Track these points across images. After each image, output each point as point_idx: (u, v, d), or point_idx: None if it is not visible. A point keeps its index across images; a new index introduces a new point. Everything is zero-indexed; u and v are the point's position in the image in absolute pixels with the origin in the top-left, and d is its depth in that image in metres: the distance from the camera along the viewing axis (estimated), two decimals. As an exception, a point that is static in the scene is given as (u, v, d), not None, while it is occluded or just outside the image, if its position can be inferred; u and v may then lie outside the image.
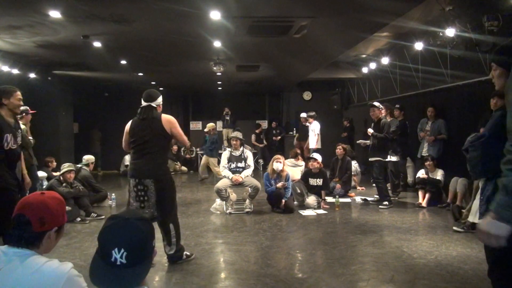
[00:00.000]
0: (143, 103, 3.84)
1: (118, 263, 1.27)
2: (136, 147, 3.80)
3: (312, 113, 9.72)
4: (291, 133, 13.43)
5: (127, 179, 3.90)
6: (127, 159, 11.70)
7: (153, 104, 3.81)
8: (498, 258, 2.05)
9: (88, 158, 7.35)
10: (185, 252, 4.05)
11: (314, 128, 9.48)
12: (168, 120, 3.80)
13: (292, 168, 7.31)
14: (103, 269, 1.29)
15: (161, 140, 3.78)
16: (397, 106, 8.05)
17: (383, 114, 7.10)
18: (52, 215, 1.61)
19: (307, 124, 9.91)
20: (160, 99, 3.87)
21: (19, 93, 3.92)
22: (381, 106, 7.04)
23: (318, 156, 7.13)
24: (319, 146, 9.35)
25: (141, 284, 1.33)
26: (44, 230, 1.59)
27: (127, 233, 1.30)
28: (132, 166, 3.86)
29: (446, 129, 7.11)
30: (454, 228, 5.13)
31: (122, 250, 1.27)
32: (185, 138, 3.99)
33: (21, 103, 3.94)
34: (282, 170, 6.59)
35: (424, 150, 7.32)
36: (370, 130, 6.86)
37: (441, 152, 7.11)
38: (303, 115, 11.49)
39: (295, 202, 6.83)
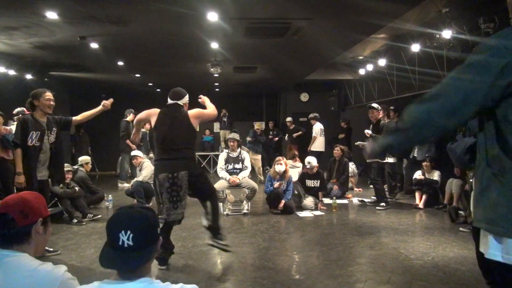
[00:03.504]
0: (170, 101, 3.87)
1: (126, 245, 1.33)
2: (165, 144, 3.74)
3: (314, 115, 9.56)
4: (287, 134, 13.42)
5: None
6: (124, 159, 11.68)
7: (180, 103, 3.87)
8: (484, 265, 2.09)
9: (83, 159, 7.31)
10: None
11: (314, 129, 9.40)
12: (194, 115, 3.85)
13: (289, 170, 7.30)
14: (112, 254, 1.35)
15: (191, 138, 3.85)
16: (392, 108, 8.06)
17: (381, 116, 7.12)
18: (32, 207, 1.61)
19: (312, 125, 9.71)
20: (187, 98, 3.95)
21: (48, 93, 4.18)
22: (379, 107, 7.06)
23: (312, 159, 7.13)
24: (320, 149, 9.21)
25: (148, 270, 1.39)
26: (28, 223, 1.58)
27: (132, 217, 1.38)
28: (163, 162, 3.76)
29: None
30: (461, 229, 5.18)
31: (129, 232, 1.33)
32: (212, 112, 4.11)
33: (52, 102, 4.17)
34: (285, 171, 6.60)
35: (416, 151, 7.35)
36: (369, 132, 6.87)
37: (432, 153, 7.14)
38: (289, 119, 11.53)
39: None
